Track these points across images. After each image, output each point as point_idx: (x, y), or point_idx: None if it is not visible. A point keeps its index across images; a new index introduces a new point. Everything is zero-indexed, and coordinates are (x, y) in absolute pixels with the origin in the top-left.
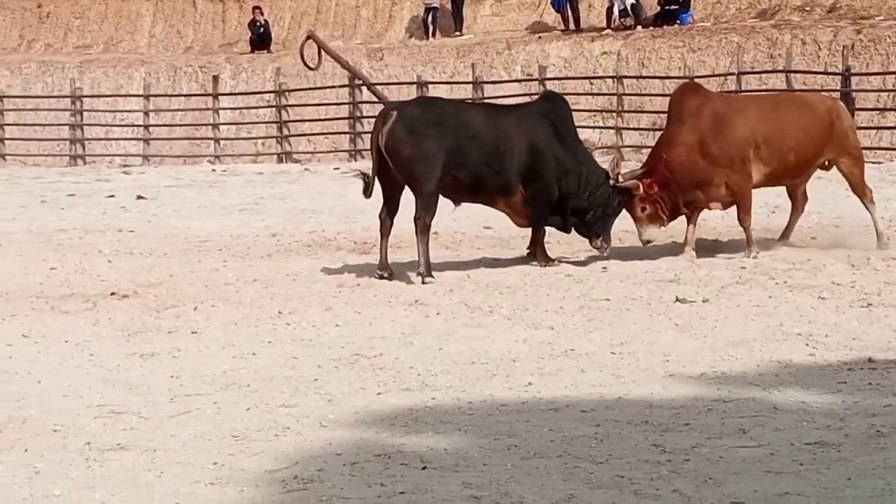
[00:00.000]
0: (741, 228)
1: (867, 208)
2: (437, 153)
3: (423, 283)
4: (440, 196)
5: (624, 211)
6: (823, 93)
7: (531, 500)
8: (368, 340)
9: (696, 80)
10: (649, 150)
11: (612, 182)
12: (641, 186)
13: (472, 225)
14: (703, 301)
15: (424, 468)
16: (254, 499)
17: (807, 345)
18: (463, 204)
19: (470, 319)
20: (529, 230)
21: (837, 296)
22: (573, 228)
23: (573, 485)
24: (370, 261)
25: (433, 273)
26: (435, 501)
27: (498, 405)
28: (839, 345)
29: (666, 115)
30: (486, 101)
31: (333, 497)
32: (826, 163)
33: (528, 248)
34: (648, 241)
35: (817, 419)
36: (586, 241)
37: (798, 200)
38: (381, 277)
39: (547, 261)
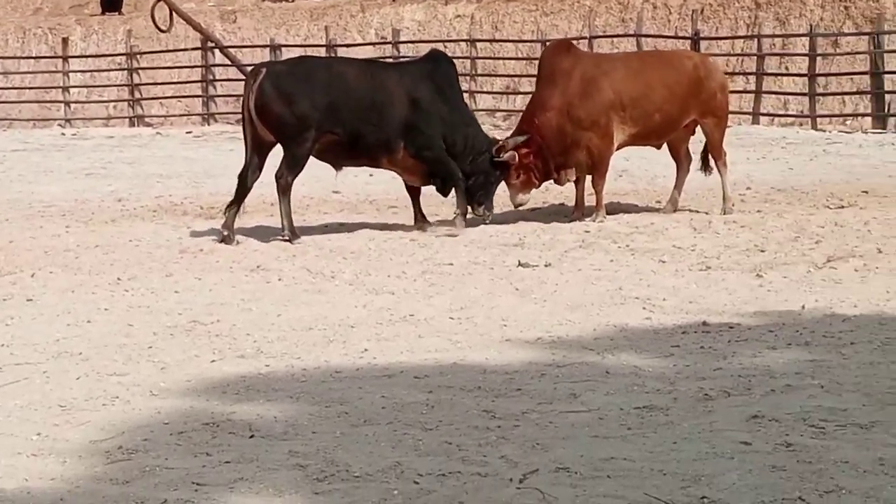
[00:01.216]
0: (593, 191)
1: (719, 171)
2: (309, 111)
3: (292, 244)
4: (323, 162)
5: None
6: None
7: (357, 468)
8: (207, 307)
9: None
10: (503, 113)
11: (496, 149)
12: (517, 156)
13: (320, 189)
14: (546, 265)
15: (252, 436)
16: (76, 470)
17: (644, 308)
18: (344, 169)
19: (311, 285)
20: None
21: (678, 259)
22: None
23: (400, 452)
24: (216, 226)
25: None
26: (260, 470)
27: (332, 372)
28: (676, 308)
29: (527, 78)
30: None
31: (157, 467)
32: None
33: (415, 224)
34: (520, 205)
35: (648, 383)
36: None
37: (682, 160)
38: (222, 239)
39: (465, 213)
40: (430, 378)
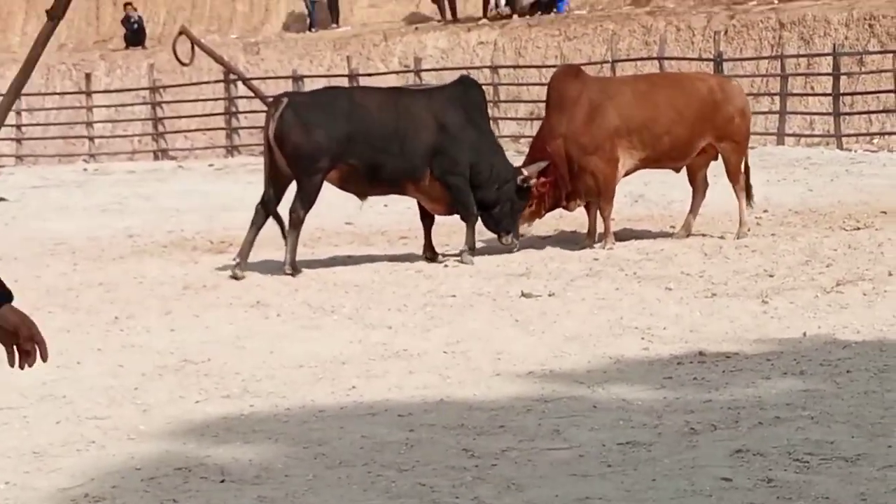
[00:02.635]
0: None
1: (736, 195)
2: (325, 143)
3: (294, 278)
4: (346, 192)
5: None
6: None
7: None
8: (200, 345)
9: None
10: (527, 139)
11: (521, 180)
12: (535, 186)
13: (332, 221)
14: (549, 295)
15: (223, 481)
16: None
17: (642, 338)
18: (370, 198)
19: (309, 320)
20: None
21: (684, 286)
22: (482, 221)
23: (372, 494)
24: (225, 261)
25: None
26: None
27: (316, 411)
28: (675, 338)
29: (544, 104)
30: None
31: None
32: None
33: (423, 252)
34: (522, 236)
35: (634, 417)
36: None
37: (699, 185)
38: (234, 275)
39: (472, 247)
40: (414, 416)
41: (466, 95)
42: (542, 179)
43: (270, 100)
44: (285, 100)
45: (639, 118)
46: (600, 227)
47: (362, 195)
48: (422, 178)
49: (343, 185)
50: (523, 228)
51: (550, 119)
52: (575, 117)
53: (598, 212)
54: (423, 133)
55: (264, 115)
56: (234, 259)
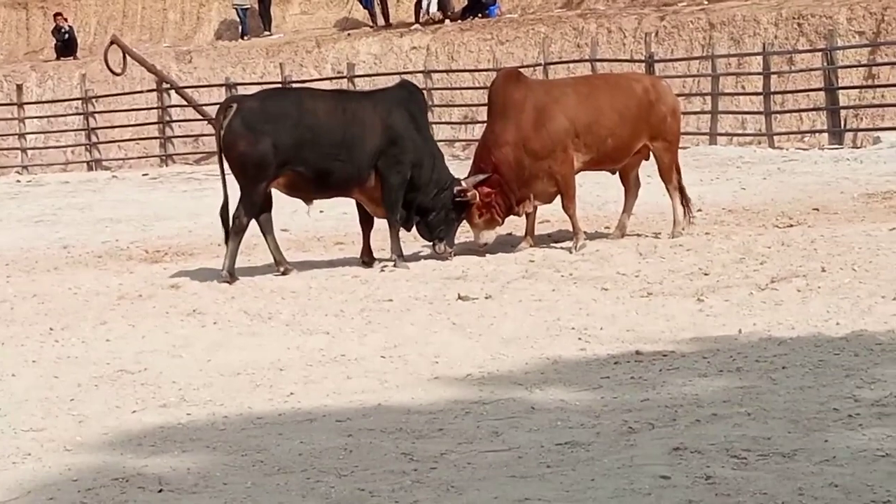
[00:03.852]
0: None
1: (670, 195)
2: (273, 152)
3: (230, 283)
4: (293, 198)
5: None
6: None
7: None
8: (136, 355)
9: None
10: (462, 143)
11: (457, 190)
12: (478, 196)
13: None
14: (486, 297)
15: (161, 491)
16: None
17: (579, 339)
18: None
19: (246, 328)
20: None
21: (620, 286)
22: (416, 228)
23: (311, 501)
24: (159, 270)
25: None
26: None
27: (254, 419)
28: (612, 338)
29: (485, 107)
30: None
31: None
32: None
33: (361, 257)
34: (485, 244)
35: (573, 418)
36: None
37: (630, 185)
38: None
39: (400, 254)
40: (353, 421)
41: (411, 98)
42: (487, 190)
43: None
44: (234, 106)
45: (584, 120)
46: (576, 227)
47: (308, 200)
48: (367, 180)
49: (290, 191)
50: (485, 237)
51: (494, 126)
52: (523, 123)
53: (564, 211)
54: (370, 137)
55: (199, 123)
56: (280, 268)
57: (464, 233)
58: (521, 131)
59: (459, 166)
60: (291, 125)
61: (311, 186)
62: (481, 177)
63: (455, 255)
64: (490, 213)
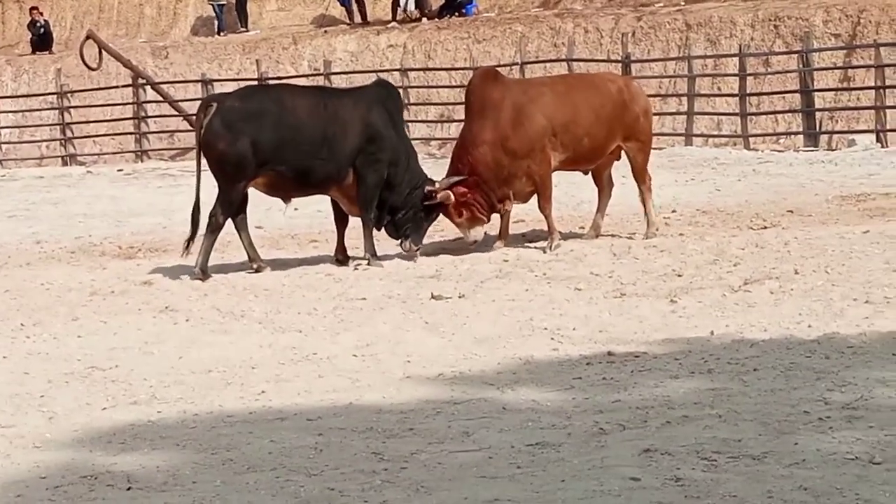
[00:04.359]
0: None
1: (643, 195)
2: (253, 152)
3: (203, 280)
4: (272, 196)
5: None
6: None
7: None
8: (108, 352)
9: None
10: (438, 142)
11: (427, 190)
12: (453, 196)
13: None
14: (459, 297)
15: (130, 488)
16: None
17: (552, 339)
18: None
19: (219, 325)
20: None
21: (594, 287)
22: (385, 228)
23: (281, 500)
24: (132, 267)
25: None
26: None
27: (224, 416)
28: (584, 338)
29: (461, 106)
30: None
31: None
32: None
33: (335, 255)
34: (475, 242)
35: (544, 418)
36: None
37: (604, 185)
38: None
39: (374, 253)
40: (323, 420)
41: (388, 97)
42: (462, 190)
43: (180, 102)
44: (214, 105)
45: (561, 119)
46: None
47: (287, 199)
48: (346, 178)
49: (269, 190)
50: (474, 234)
51: (472, 125)
52: (501, 123)
53: (540, 211)
54: (350, 136)
55: (174, 119)
56: (253, 265)
57: (437, 232)
58: (500, 131)
59: (435, 164)
60: (272, 125)
61: (291, 185)
62: (455, 179)
63: (430, 254)
64: (471, 211)
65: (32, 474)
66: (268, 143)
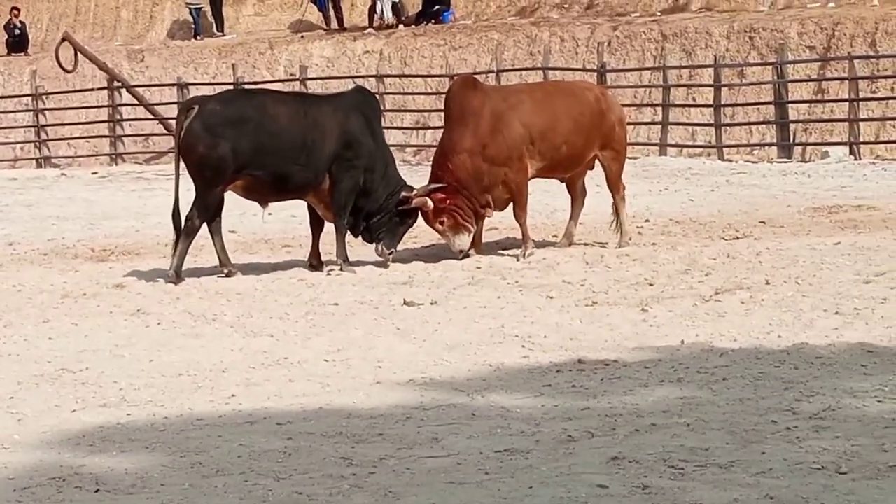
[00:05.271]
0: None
1: (616, 205)
2: (232, 156)
3: (176, 283)
4: (249, 200)
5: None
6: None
7: None
8: (78, 354)
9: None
10: (413, 148)
11: (403, 196)
12: (430, 202)
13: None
14: (431, 303)
15: (97, 491)
16: None
17: (523, 346)
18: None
19: (190, 329)
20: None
21: (565, 295)
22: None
23: (249, 503)
24: (105, 269)
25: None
26: None
27: (194, 420)
28: (555, 346)
29: (437, 113)
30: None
31: None
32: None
33: (309, 260)
34: (461, 250)
35: (513, 425)
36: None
37: (577, 194)
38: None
39: (346, 258)
40: (293, 424)
41: (367, 103)
42: (441, 196)
43: (155, 106)
44: (195, 108)
45: (539, 127)
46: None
47: (264, 203)
48: (322, 183)
49: (247, 194)
50: (459, 242)
51: (452, 133)
52: (480, 130)
53: (515, 219)
54: (328, 142)
55: (149, 122)
56: (224, 269)
57: (410, 238)
58: (479, 138)
59: (410, 171)
60: (252, 130)
61: (269, 190)
62: (435, 185)
63: (404, 261)
64: (453, 218)
65: (0, 475)
66: (247, 149)
